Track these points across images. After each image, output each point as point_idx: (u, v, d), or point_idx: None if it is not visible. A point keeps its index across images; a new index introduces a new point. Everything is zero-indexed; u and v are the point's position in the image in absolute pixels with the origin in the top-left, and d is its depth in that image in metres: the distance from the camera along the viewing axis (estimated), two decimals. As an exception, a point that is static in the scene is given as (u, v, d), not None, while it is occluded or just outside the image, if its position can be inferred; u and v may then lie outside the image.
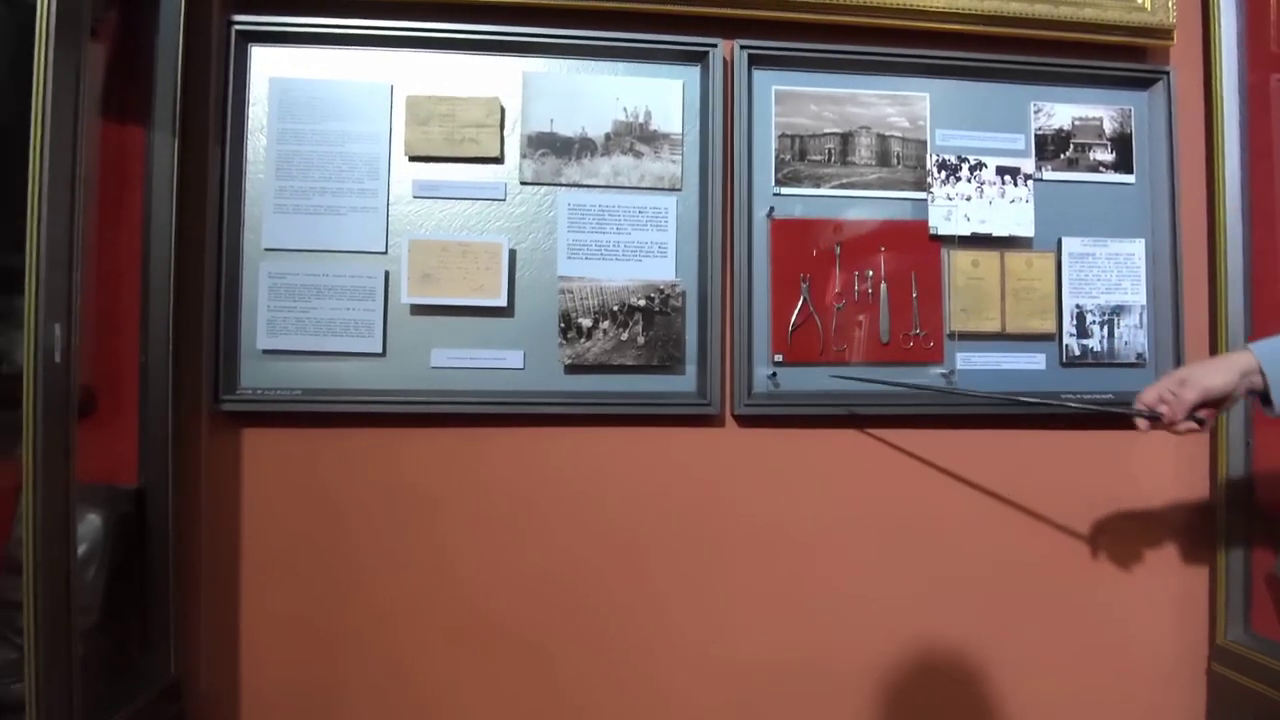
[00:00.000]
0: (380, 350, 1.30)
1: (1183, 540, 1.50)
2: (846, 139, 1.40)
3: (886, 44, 1.39)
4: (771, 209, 1.37)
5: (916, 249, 1.40)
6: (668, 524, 1.36)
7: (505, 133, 1.34)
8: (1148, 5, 1.45)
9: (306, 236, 1.30)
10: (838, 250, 1.38)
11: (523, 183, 1.33)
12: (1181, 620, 1.50)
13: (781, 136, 1.39)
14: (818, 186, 1.39)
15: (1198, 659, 1.50)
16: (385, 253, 1.31)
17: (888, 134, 1.41)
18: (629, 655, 1.36)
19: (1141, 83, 1.48)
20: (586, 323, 1.31)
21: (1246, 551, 1.46)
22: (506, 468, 1.33)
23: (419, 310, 1.31)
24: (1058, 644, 1.46)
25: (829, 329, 1.37)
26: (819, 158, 1.39)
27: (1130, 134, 1.48)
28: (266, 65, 1.31)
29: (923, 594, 1.42)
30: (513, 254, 1.32)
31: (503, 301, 1.30)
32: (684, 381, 1.35)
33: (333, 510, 1.31)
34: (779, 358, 1.36)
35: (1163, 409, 1.05)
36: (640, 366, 1.33)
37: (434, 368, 1.31)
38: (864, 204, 1.40)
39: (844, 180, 1.39)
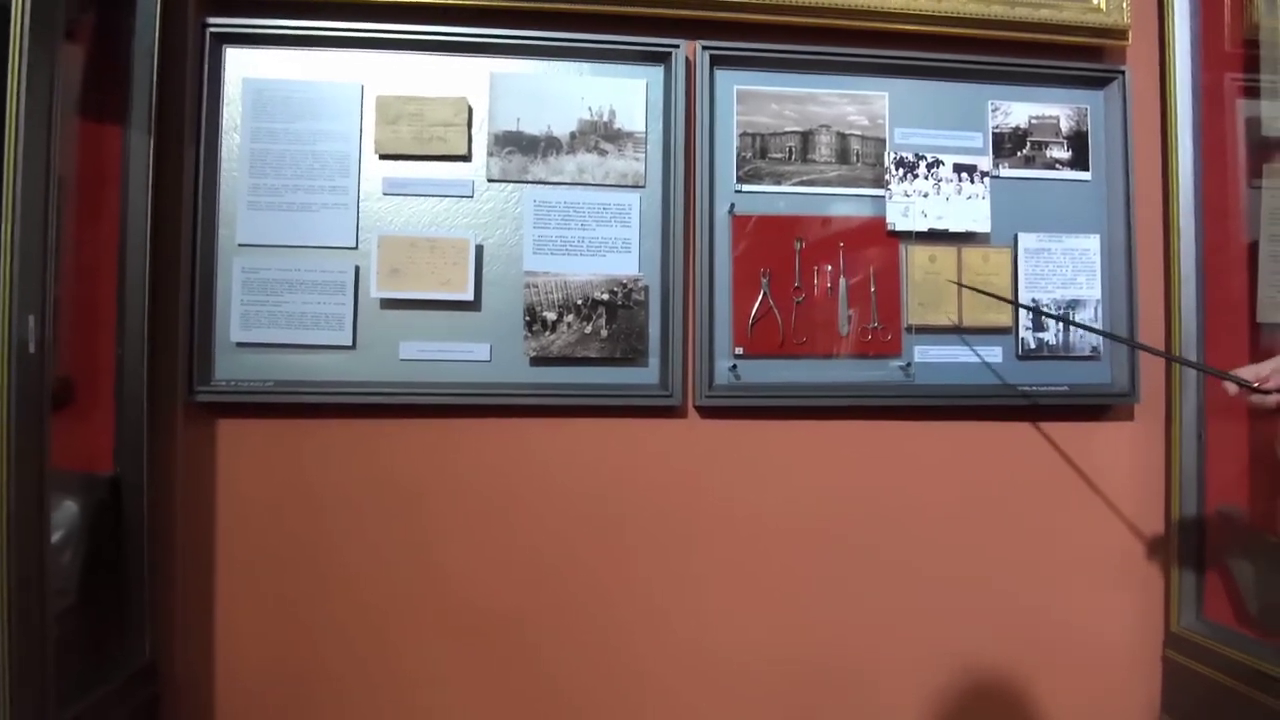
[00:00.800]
0: (350, 343, 1.34)
1: (1139, 529, 1.53)
2: (807, 137, 1.44)
3: (846, 44, 1.42)
4: (733, 205, 1.41)
5: (875, 245, 1.44)
6: (633, 511, 1.40)
7: (473, 131, 1.37)
8: (1103, 6, 1.49)
9: (279, 232, 1.34)
10: (798, 246, 1.41)
11: (490, 180, 1.37)
12: (1139, 608, 1.53)
13: (743, 135, 1.42)
14: (779, 184, 1.43)
15: (1154, 646, 1.53)
16: (355, 248, 1.35)
17: (847, 132, 1.44)
18: (600, 635, 1.39)
19: (1097, 82, 1.52)
20: (551, 316, 1.35)
21: (1200, 539, 1.49)
22: (474, 457, 1.37)
23: (388, 304, 1.35)
24: (1017, 632, 1.49)
25: (789, 322, 1.41)
26: (780, 155, 1.43)
27: (1086, 132, 1.52)
28: (240, 66, 1.35)
29: (882, 582, 1.45)
30: (480, 249, 1.36)
31: (470, 295, 1.34)
32: (647, 373, 1.39)
33: (305, 497, 1.35)
34: (740, 350, 1.40)
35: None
36: (604, 359, 1.37)
37: (403, 360, 1.35)
38: (824, 201, 1.44)
39: (804, 177, 1.43)
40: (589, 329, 1.36)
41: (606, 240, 1.39)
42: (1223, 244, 1.51)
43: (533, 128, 1.38)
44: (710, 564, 1.42)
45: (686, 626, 1.41)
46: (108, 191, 1.28)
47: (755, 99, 1.43)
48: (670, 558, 1.41)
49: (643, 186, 1.40)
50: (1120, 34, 1.50)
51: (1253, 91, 1.53)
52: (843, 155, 1.44)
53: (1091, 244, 1.49)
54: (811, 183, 1.43)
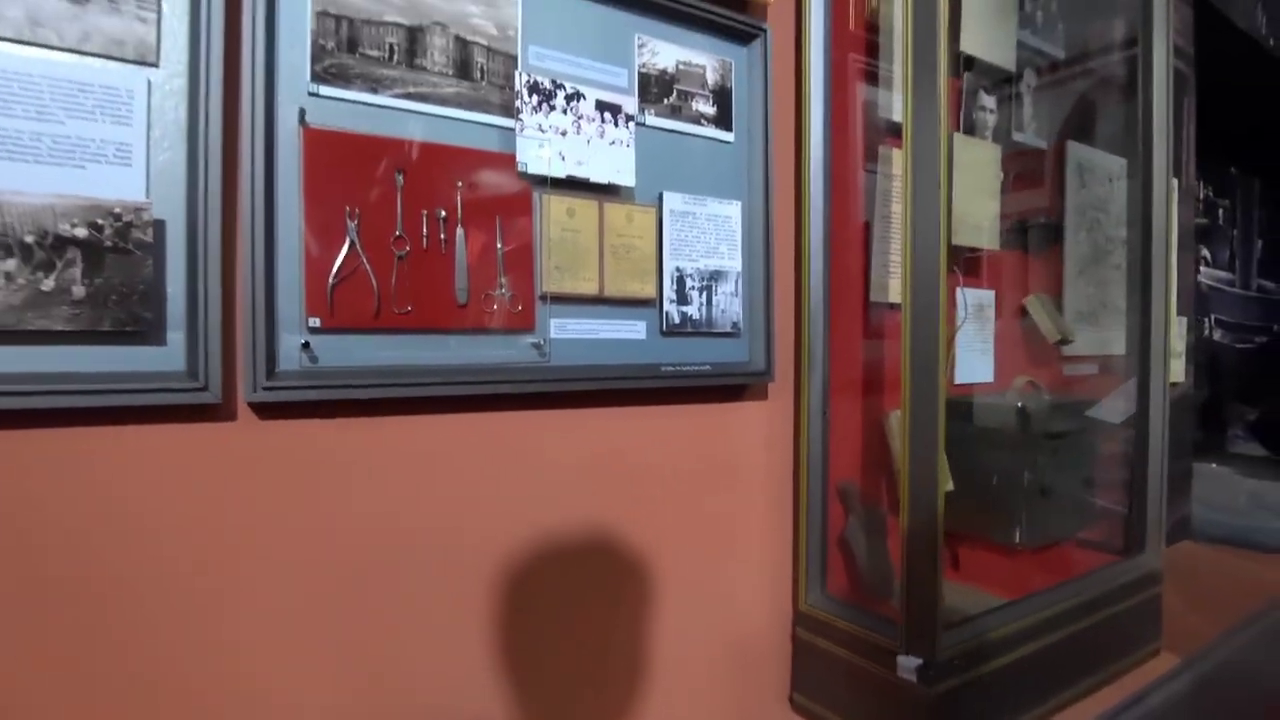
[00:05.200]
0: None
1: (774, 510, 1.49)
2: (415, 35, 1.07)
3: (468, -79, 1.08)
4: (304, 112, 0.98)
5: (503, 188, 1.13)
6: (138, 564, 0.91)
7: None
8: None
9: None
10: (399, 180, 1.04)
11: None
12: (773, 587, 1.49)
13: (322, 15, 1.00)
14: (374, 92, 1.03)
15: (786, 626, 1.50)
16: None
17: (470, 39, 1.11)
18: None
19: (742, 36, 1.40)
20: (-31, 259, 0.80)
21: (823, 517, 1.49)
22: None
23: None
24: (656, 620, 1.34)
25: (387, 285, 1.03)
26: (376, 54, 1.04)
27: (730, 89, 1.39)
28: None
29: (514, 592, 1.18)
30: None
31: None
32: (164, 356, 0.91)
33: None
34: (316, 322, 0.99)
35: None
36: (79, 333, 0.86)
37: None
38: (437, 124, 1.08)
39: (411, 89, 1.06)
40: (49, 284, 0.84)
41: (87, 143, 0.87)
42: (845, 221, 1.51)
43: (-77, -72, 0.79)
44: (269, 617, 1.00)
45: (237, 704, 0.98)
46: None
47: (341, -34, 1.01)
48: (204, 616, 0.96)
49: (154, 64, 0.90)
50: (763, -13, 1.39)
51: (872, 76, 1.54)
52: (463, 68, 1.10)
53: (734, 211, 1.37)
54: (421, 98, 1.07)
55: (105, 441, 0.88)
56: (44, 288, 0.84)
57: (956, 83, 1.63)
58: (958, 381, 1.66)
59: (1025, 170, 1.91)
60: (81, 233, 0.85)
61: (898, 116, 1.38)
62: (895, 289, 1.48)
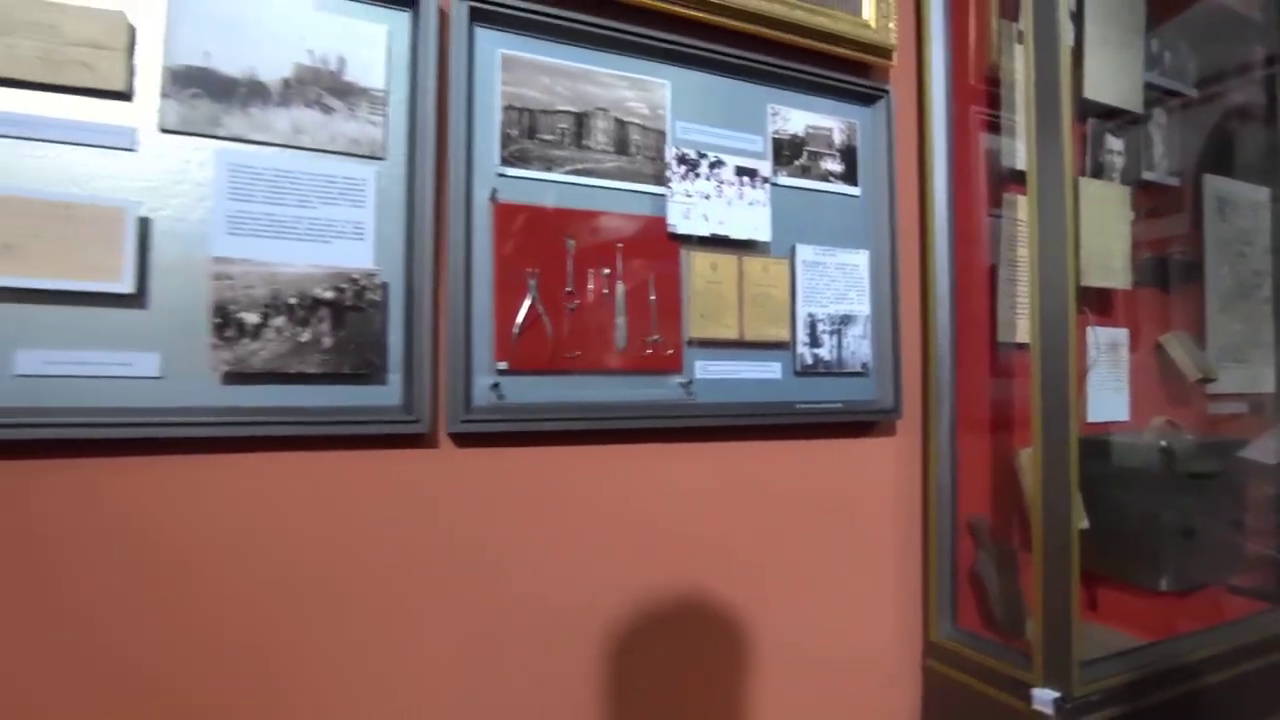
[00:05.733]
0: (-75, 349, 0.90)
1: (902, 542, 1.55)
2: (582, 120, 1.25)
3: (626, 20, 1.26)
4: (495, 191, 1.18)
5: (655, 247, 1.29)
6: (366, 567, 1.10)
7: (135, 61, 1.00)
8: (873, 23, 1.48)
9: None
10: (571, 244, 1.22)
11: (163, 130, 1.01)
12: (901, 619, 1.54)
13: (509, 109, 1.20)
14: (549, 170, 1.22)
15: (915, 656, 1.55)
16: (-65, 210, 0.91)
17: (626, 119, 1.28)
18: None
19: (866, 98, 1.51)
20: (253, 318, 1.02)
21: (953, 551, 1.53)
22: (135, 510, 0.99)
23: (-7, 294, 0.93)
24: (793, 647, 1.42)
25: (560, 333, 1.20)
26: (551, 137, 1.23)
27: (855, 147, 1.50)
28: None
29: (658, 609, 1.30)
30: (145, 223, 0.99)
31: (128, 287, 0.97)
32: (386, 393, 1.11)
33: None
34: (503, 365, 1.17)
35: None
36: (327, 375, 1.07)
37: (19, 376, 0.93)
38: (601, 194, 1.26)
39: (579, 165, 1.24)
40: (306, 336, 1.05)
41: (333, 223, 1.09)
42: (970, 266, 1.57)
43: (229, 66, 1.04)
44: (461, 616, 1.16)
45: (428, 701, 1.14)
46: None
47: (523, 68, 1.21)
48: (413, 613, 1.13)
49: (381, 158, 1.12)
50: (886, 53, 1.51)
51: (994, 126, 1.62)
52: (621, 145, 1.28)
53: (861, 259, 1.48)
54: (587, 172, 1.25)
55: (347, 464, 1.09)
56: (302, 339, 1.05)
57: (1081, 128, 1.67)
58: (1090, 420, 1.67)
59: (1159, 207, 1.90)
60: (329, 295, 1.06)
61: (1021, 164, 1.45)
62: (1023, 329, 1.52)
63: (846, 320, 1.45)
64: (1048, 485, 1.28)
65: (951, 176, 1.56)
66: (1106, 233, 1.62)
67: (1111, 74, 1.68)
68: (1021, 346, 1.50)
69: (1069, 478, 1.24)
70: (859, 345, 1.46)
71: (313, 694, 1.07)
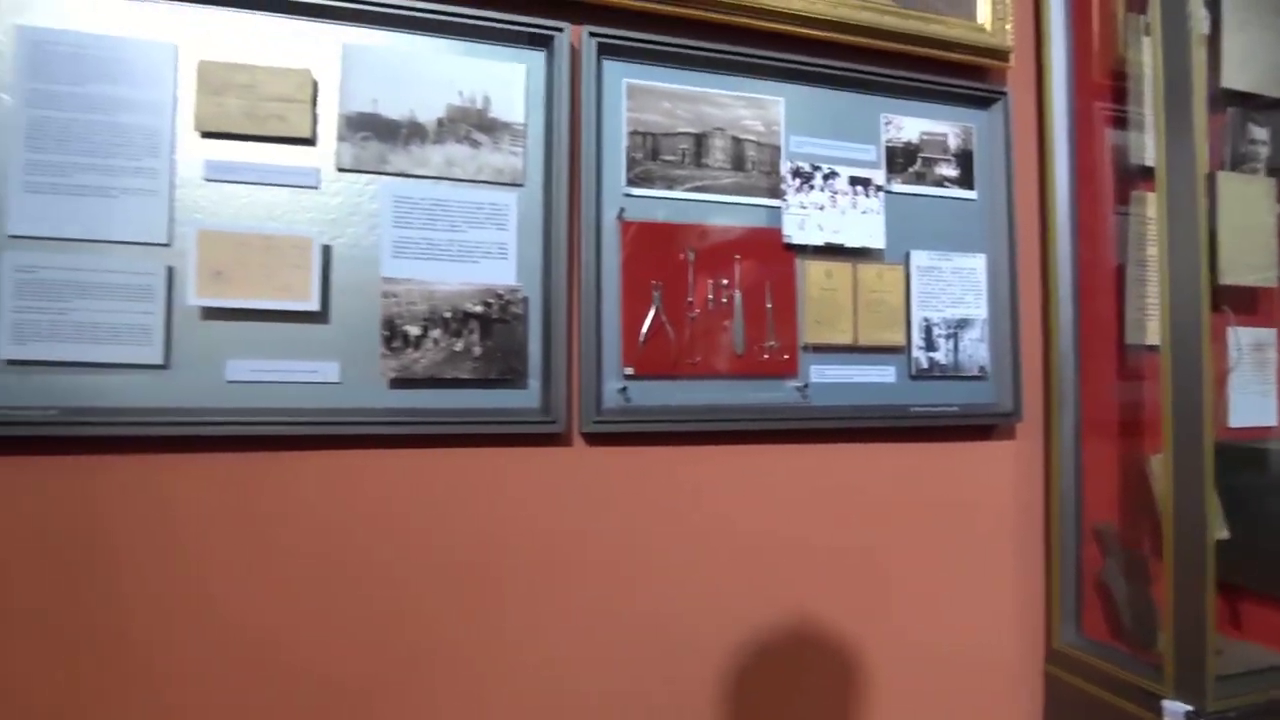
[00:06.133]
0: (161, 361, 1.09)
1: (1023, 547, 1.54)
2: (701, 140, 1.33)
3: (741, 44, 1.33)
4: (622, 210, 1.28)
5: (771, 257, 1.35)
6: (508, 553, 1.23)
7: (319, 110, 1.16)
8: (988, 26, 1.48)
9: (65, 222, 1.07)
10: (691, 256, 1.30)
11: (340, 169, 1.17)
12: (1022, 624, 1.53)
13: (633, 134, 1.30)
14: (671, 188, 1.31)
15: (1037, 661, 1.54)
16: (168, 245, 1.10)
17: (743, 137, 1.35)
18: (464, 699, 1.21)
19: (982, 102, 1.51)
20: (414, 331, 1.16)
21: (1077, 557, 1.51)
22: (319, 497, 1.16)
23: (211, 314, 1.11)
24: (910, 650, 1.45)
25: (682, 340, 1.29)
26: (673, 158, 1.31)
27: (972, 151, 1.51)
28: (13, 9, 1.07)
29: (779, 609, 1.36)
30: (327, 250, 1.15)
31: (315, 305, 1.13)
32: (526, 397, 1.23)
33: (99, 553, 1.08)
34: (630, 370, 1.26)
35: None
36: (477, 380, 1.20)
37: (230, 382, 1.11)
38: (718, 209, 1.33)
39: (698, 183, 1.32)
40: (459, 346, 1.18)
41: (480, 244, 1.22)
42: (1094, 266, 1.54)
43: (392, 111, 1.19)
44: (600, 606, 1.27)
45: (566, 679, 1.26)
46: None
47: (646, 95, 1.31)
48: (554, 604, 1.25)
49: (522, 185, 1.24)
50: (1003, 55, 1.51)
51: (1120, 121, 1.58)
52: (738, 161, 1.35)
53: (978, 263, 1.48)
54: (706, 189, 1.33)
55: (493, 459, 1.22)
56: (456, 349, 1.18)
57: (1219, 118, 1.60)
58: (1233, 425, 1.59)
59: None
60: (478, 309, 1.19)
61: (1150, 160, 1.41)
62: (1153, 330, 1.48)
63: (963, 324, 1.46)
64: (1180, 493, 1.25)
65: (1074, 175, 1.54)
66: (1249, 228, 1.55)
67: (1254, 60, 1.60)
68: (1152, 348, 1.46)
69: (1203, 485, 1.21)
70: (976, 348, 1.47)
71: (457, 670, 1.21)
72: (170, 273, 1.10)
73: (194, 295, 1.09)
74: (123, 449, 1.09)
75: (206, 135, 1.12)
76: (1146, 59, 1.49)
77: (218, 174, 1.12)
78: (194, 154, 1.12)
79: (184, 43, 1.12)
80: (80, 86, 1.08)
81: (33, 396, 1.05)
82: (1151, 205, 1.47)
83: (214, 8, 1.13)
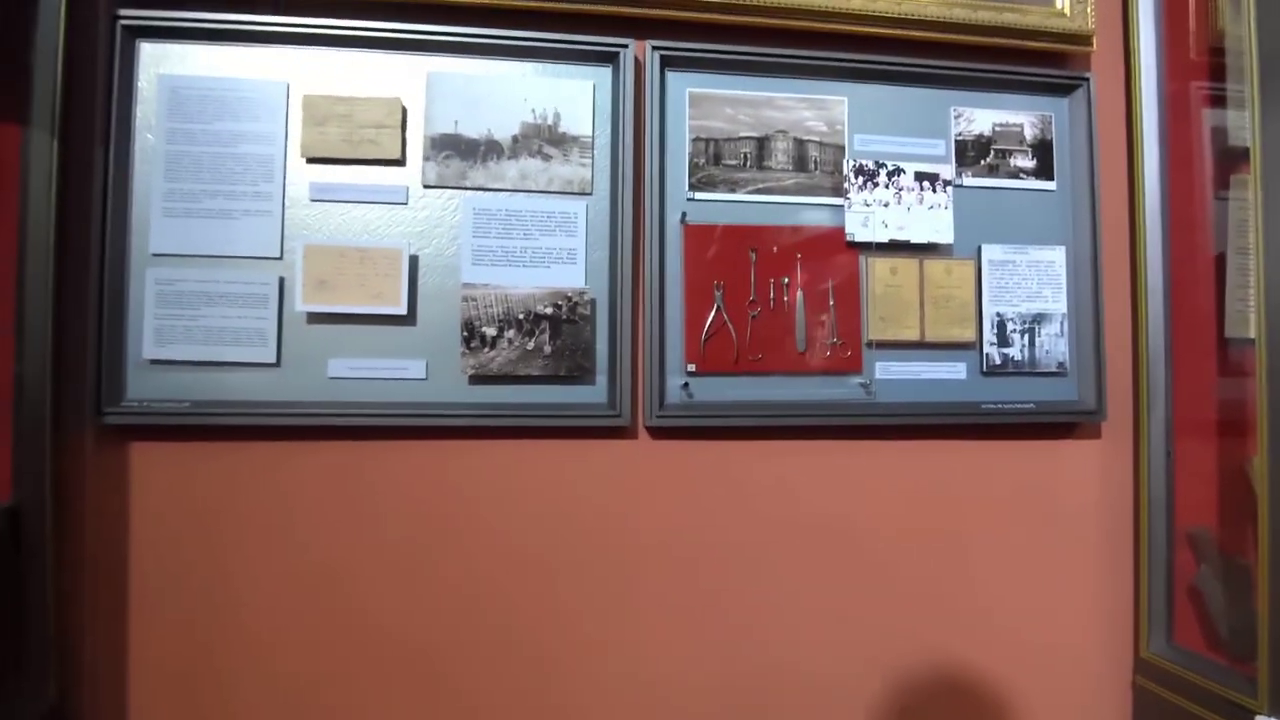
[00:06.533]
0: (274, 360, 1.25)
1: (1108, 550, 1.48)
2: (762, 143, 1.37)
3: (803, 46, 1.36)
4: (685, 214, 1.34)
5: (834, 255, 1.37)
6: (577, 539, 1.32)
7: (407, 134, 1.29)
8: (1068, 10, 1.44)
9: (197, 241, 1.24)
10: (753, 257, 1.34)
11: (425, 186, 1.29)
12: (1108, 631, 1.48)
13: (695, 140, 1.35)
14: (733, 191, 1.36)
15: (1123, 671, 1.48)
16: (280, 258, 1.25)
17: (805, 138, 1.38)
18: (536, 677, 1.31)
19: (1062, 89, 1.47)
20: (491, 331, 1.27)
21: (1168, 563, 1.44)
22: (407, 482, 1.28)
23: (315, 319, 1.26)
24: (983, 657, 1.43)
25: (744, 338, 1.33)
26: (734, 162, 1.36)
27: (1051, 140, 1.47)
28: (155, 61, 1.25)
29: (843, 607, 1.39)
30: (414, 260, 1.27)
31: (403, 309, 1.26)
32: (594, 392, 1.31)
33: (226, 527, 1.25)
34: (692, 368, 1.32)
35: None
36: (547, 377, 1.29)
37: (331, 378, 1.26)
38: (781, 210, 1.37)
39: (760, 185, 1.36)
40: (531, 345, 1.28)
41: (551, 250, 1.31)
42: (1190, 256, 1.46)
43: (472, 131, 1.30)
44: (662, 592, 1.34)
45: (630, 663, 1.33)
46: (4, 196, 1.17)
47: (708, 102, 1.36)
48: (619, 588, 1.33)
49: (589, 194, 1.33)
50: (1085, 39, 1.46)
51: (1219, 100, 1.48)
52: (800, 162, 1.38)
53: (1057, 256, 1.44)
54: (768, 191, 1.36)
55: (562, 450, 1.31)
56: (529, 347, 1.28)
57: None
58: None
59: None
60: (549, 311, 1.28)
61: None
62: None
63: (1040, 319, 1.43)
64: (1277, 495, 1.18)
65: (1165, 160, 1.46)
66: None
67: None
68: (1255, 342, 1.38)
69: (1302, 486, 1.14)
70: (1054, 344, 1.43)
71: (524, 642, 1.30)
72: (281, 283, 1.25)
73: (301, 302, 1.24)
74: (243, 436, 1.25)
75: (311, 160, 1.27)
76: (1244, 31, 1.40)
77: (321, 194, 1.27)
78: (301, 178, 1.27)
79: (293, 80, 1.27)
80: (209, 125, 1.25)
81: (170, 391, 1.23)
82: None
83: (317, 48, 1.27)
